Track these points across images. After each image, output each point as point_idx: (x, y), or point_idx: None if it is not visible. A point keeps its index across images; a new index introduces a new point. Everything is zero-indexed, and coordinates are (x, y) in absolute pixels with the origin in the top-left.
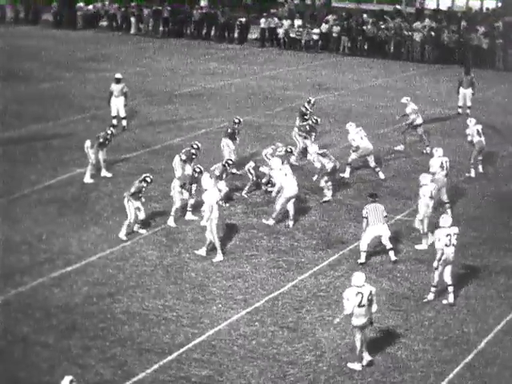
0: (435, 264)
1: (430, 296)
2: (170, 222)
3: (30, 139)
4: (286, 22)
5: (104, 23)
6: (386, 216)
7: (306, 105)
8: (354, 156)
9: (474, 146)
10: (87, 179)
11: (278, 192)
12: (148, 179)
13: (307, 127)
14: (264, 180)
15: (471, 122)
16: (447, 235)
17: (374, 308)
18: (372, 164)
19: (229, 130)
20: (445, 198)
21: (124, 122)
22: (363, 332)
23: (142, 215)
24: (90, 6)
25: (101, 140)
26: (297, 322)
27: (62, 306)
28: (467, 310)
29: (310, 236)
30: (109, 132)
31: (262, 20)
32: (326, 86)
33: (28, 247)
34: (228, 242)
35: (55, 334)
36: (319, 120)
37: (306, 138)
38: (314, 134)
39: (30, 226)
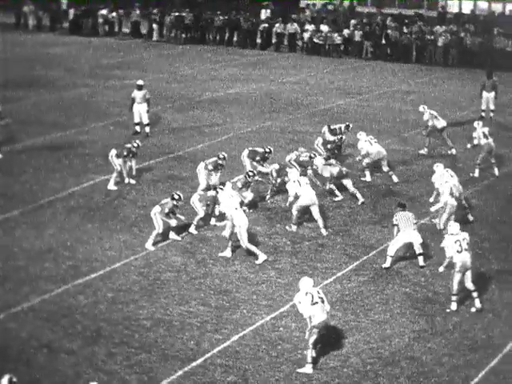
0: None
1: (453, 306)
2: (192, 229)
3: (54, 147)
4: (310, 27)
5: (126, 30)
6: (415, 223)
7: (343, 127)
8: (367, 160)
9: (482, 148)
10: (111, 186)
11: (292, 202)
12: (176, 196)
13: (332, 145)
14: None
15: (478, 124)
16: (456, 241)
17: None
18: (385, 168)
19: (250, 149)
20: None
21: (147, 129)
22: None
23: (173, 223)
24: (113, 14)
25: (125, 153)
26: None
27: (87, 313)
28: (492, 314)
29: (334, 241)
30: (134, 145)
31: (277, 25)
32: (348, 90)
33: (53, 254)
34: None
35: (80, 340)
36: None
37: (328, 150)
38: (336, 152)
39: (55, 233)
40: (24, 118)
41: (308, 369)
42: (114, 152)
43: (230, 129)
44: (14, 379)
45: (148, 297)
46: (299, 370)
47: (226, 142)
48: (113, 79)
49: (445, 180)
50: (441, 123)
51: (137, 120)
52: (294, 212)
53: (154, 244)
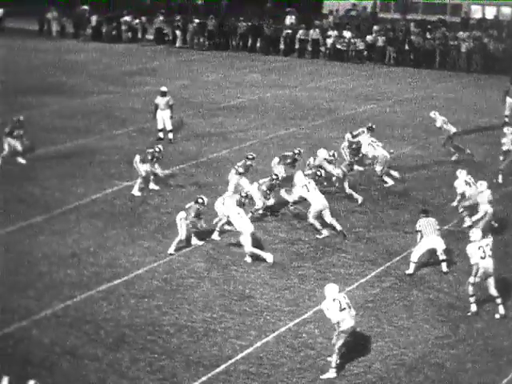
0: (471, 280)
1: (473, 307)
2: (215, 236)
3: (77, 153)
4: (333, 33)
5: (150, 36)
6: (438, 229)
7: (365, 130)
8: (379, 167)
9: (509, 154)
10: (135, 192)
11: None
12: (200, 200)
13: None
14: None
15: (508, 130)
16: (479, 248)
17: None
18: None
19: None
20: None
21: (170, 135)
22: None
23: (202, 225)
24: (137, 20)
25: (149, 157)
26: None
27: (110, 319)
28: None
29: (356, 248)
30: (157, 149)
31: (300, 31)
32: (371, 96)
33: (76, 260)
34: (275, 254)
35: (103, 346)
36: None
37: (354, 155)
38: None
39: (78, 239)
40: (47, 125)
41: (332, 373)
42: (138, 158)
43: (253, 135)
44: None
45: (171, 303)
46: (323, 376)
47: (249, 149)
48: (136, 86)
49: (480, 190)
50: (452, 129)
51: (160, 126)
52: (313, 220)
53: (177, 250)
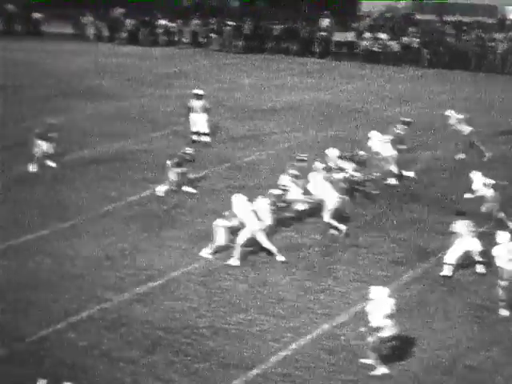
0: (501, 283)
1: (503, 312)
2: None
3: (113, 156)
4: (368, 35)
5: (185, 39)
6: (474, 230)
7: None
8: (393, 167)
9: None
10: (160, 192)
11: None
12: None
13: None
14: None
15: None
16: (506, 250)
17: None
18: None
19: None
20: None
21: (207, 138)
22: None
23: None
24: (173, 23)
25: (180, 160)
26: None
27: (146, 322)
28: None
29: (392, 249)
30: (187, 152)
31: (336, 33)
32: (405, 98)
33: (111, 263)
34: (310, 256)
35: (139, 349)
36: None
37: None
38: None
39: (113, 241)
40: (83, 128)
41: (382, 369)
42: (170, 162)
43: (288, 138)
44: None
45: (207, 305)
46: (373, 373)
47: (284, 151)
48: (172, 89)
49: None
50: (466, 129)
51: (194, 129)
52: (329, 220)
53: (212, 254)
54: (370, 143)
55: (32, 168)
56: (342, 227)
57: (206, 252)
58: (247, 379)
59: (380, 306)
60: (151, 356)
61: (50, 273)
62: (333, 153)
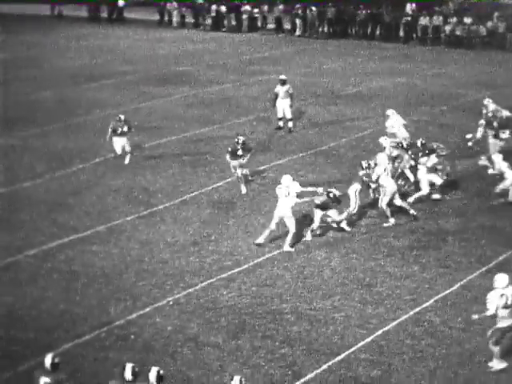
0: None
1: None
2: (344, 225)
3: (198, 142)
4: (453, 20)
5: (270, 25)
6: None
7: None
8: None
9: None
10: (243, 189)
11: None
12: (331, 195)
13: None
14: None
15: None
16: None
17: None
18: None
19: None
20: None
21: (290, 124)
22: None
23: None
24: (257, 9)
25: (229, 149)
26: (466, 322)
27: (231, 307)
28: None
29: (479, 235)
30: (238, 141)
31: (422, 18)
32: (490, 83)
33: (197, 248)
34: (396, 243)
35: (224, 334)
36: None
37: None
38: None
39: (199, 227)
40: (168, 114)
41: (501, 364)
42: (228, 153)
43: (372, 123)
44: (161, 372)
45: (292, 291)
46: (494, 366)
47: (369, 137)
48: (256, 75)
49: None
50: (506, 113)
51: (280, 115)
52: (385, 207)
53: (291, 245)
54: (388, 123)
55: (126, 160)
56: (392, 221)
57: (287, 245)
58: (332, 365)
59: (500, 297)
60: (237, 341)
61: (136, 258)
62: (386, 142)
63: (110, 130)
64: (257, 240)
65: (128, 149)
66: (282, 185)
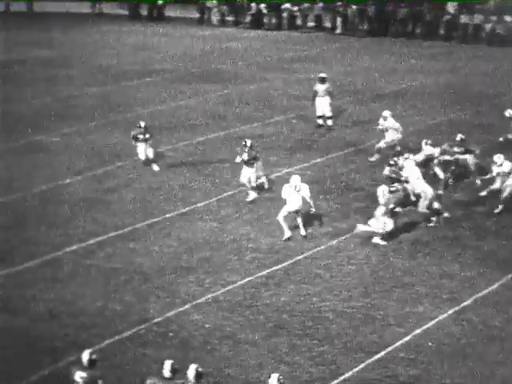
0: None
1: None
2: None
3: (236, 140)
4: (494, 18)
5: (310, 23)
6: None
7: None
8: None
9: None
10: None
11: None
12: (393, 189)
13: None
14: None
15: None
16: None
17: None
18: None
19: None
20: None
21: (330, 122)
22: None
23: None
24: (297, 7)
25: (244, 158)
26: (505, 321)
27: (270, 305)
28: None
29: None
30: (246, 143)
31: (463, 16)
32: None
33: (236, 246)
34: (435, 241)
35: (263, 331)
36: None
37: None
38: None
39: (238, 225)
40: (207, 112)
41: None
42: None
43: (412, 122)
44: (200, 369)
45: (330, 289)
46: None
47: (408, 135)
48: (295, 72)
49: None
50: None
51: (319, 113)
52: (424, 210)
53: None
54: (387, 123)
55: (155, 167)
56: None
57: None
58: (371, 363)
59: None
60: (274, 339)
61: (175, 256)
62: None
63: (131, 136)
64: (283, 237)
65: (151, 156)
66: (290, 183)
